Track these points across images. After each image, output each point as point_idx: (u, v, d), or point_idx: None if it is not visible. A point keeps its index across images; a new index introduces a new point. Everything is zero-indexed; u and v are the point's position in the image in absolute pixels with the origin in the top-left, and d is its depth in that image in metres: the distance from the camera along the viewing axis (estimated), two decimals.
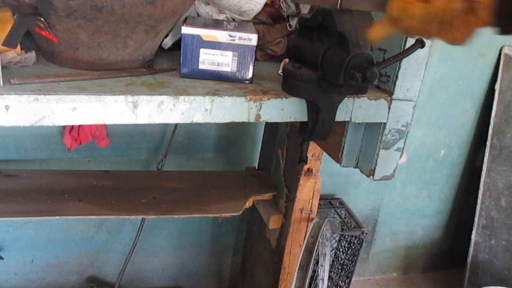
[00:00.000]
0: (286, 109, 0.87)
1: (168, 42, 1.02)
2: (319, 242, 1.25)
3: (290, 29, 1.10)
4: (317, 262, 1.27)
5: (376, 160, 0.99)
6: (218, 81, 0.89)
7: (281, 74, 0.93)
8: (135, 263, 1.78)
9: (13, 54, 0.81)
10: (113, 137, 1.52)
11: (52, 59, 0.88)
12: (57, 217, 1.19)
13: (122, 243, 1.76)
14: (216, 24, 0.90)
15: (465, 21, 0.62)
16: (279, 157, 1.44)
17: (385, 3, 0.68)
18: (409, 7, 0.63)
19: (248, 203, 1.37)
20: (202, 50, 0.86)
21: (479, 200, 2.05)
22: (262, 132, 1.63)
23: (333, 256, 1.75)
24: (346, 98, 0.89)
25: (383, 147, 0.98)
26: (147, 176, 1.47)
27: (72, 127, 1.42)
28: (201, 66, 0.87)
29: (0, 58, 0.74)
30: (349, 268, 1.76)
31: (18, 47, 0.80)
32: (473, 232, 2.08)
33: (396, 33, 0.69)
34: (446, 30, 0.63)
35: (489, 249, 2.06)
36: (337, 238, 1.72)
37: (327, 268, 1.26)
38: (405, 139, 0.99)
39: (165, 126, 1.59)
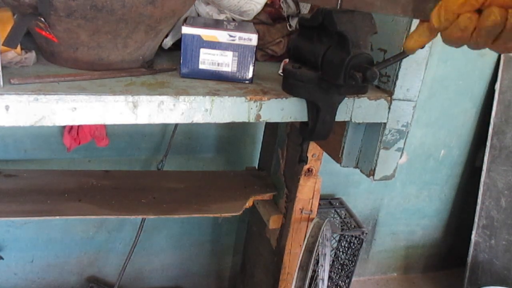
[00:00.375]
0: (286, 109, 0.87)
1: (168, 42, 1.02)
2: (319, 242, 1.25)
3: (290, 29, 1.10)
4: (317, 262, 1.27)
5: (376, 160, 0.99)
6: (218, 81, 0.89)
7: (281, 74, 0.93)
8: (135, 263, 1.78)
9: (13, 54, 0.81)
10: (113, 137, 1.52)
11: (52, 59, 0.88)
12: (57, 217, 1.19)
13: (122, 243, 1.76)
14: (216, 24, 0.90)
15: None
16: (279, 157, 1.44)
17: (420, 9, 0.63)
18: (460, 19, 0.58)
19: (248, 203, 1.37)
20: (202, 50, 0.86)
21: (479, 200, 2.05)
22: (262, 132, 1.63)
23: (333, 256, 1.76)
24: (346, 98, 0.89)
25: (383, 147, 0.98)
26: (147, 176, 1.47)
27: (71, 127, 1.42)
28: (201, 66, 0.87)
29: (0, 58, 0.73)
30: (349, 268, 1.76)
31: (18, 47, 0.80)
32: (473, 232, 2.08)
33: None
34: (499, 41, 0.59)
35: (489, 249, 2.06)
36: (337, 238, 1.72)
37: (327, 268, 1.26)
38: (405, 139, 0.99)
39: (165, 126, 1.59)
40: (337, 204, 1.88)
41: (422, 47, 0.67)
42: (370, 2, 0.68)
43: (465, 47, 0.63)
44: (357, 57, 0.77)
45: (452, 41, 0.61)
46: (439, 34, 0.64)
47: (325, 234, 1.26)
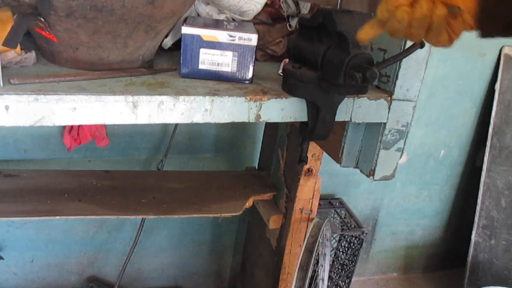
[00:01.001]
0: (286, 109, 0.87)
1: (168, 42, 1.02)
2: (319, 242, 1.25)
3: (290, 29, 1.10)
4: (317, 262, 1.27)
5: (376, 160, 0.99)
6: (218, 81, 0.89)
7: (281, 74, 0.93)
8: (135, 263, 1.78)
9: (13, 54, 0.81)
10: (113, 137, 1.52)
11: (52, 59, 0.88)
12: (57, 217, 1.19)
13: (122, 243, 1.76)
14: (216, 24, 0.90)
15: (450, 25, 0.64)
16: (279, 157, 1.44)
17: (373, 4, 0.68)
18: (396, 11, 0.65)
19: (248, 203, 1.37)
20: (202, 50, 0.86)
21: (479, 200, 2.05)
22: (262, 132, 1.63)
23: (333, 256, 1.75)
24: (346, 98, 0.89)
25: (383, 147, 0.98)
26: (147, 176, 1.47)
27: (71, 127, 1.42)
28: (201, 66, 0.87)
29: (0, 58, 0.74)
30: (349, 268, 1.76)
31: (18, 47, 0.80)
32: (473, 232, 2.08)
33: (384, 34, 0.70)
34: (432, 33, 0.65)
35: (489, 249, 2.06)
36: (337, 238, 1.72)
37: (327, 268, 1.26)
38: (405, 139, 0.99)
39: (165, 126, 1.59)
40: (337, 204, 1.88)
41: (372, 38, 0.71)
42: None
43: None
44: (357, 57, 0.77)
45: (393, 33, 0.68)
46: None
47: (325, 234, 1.26)
